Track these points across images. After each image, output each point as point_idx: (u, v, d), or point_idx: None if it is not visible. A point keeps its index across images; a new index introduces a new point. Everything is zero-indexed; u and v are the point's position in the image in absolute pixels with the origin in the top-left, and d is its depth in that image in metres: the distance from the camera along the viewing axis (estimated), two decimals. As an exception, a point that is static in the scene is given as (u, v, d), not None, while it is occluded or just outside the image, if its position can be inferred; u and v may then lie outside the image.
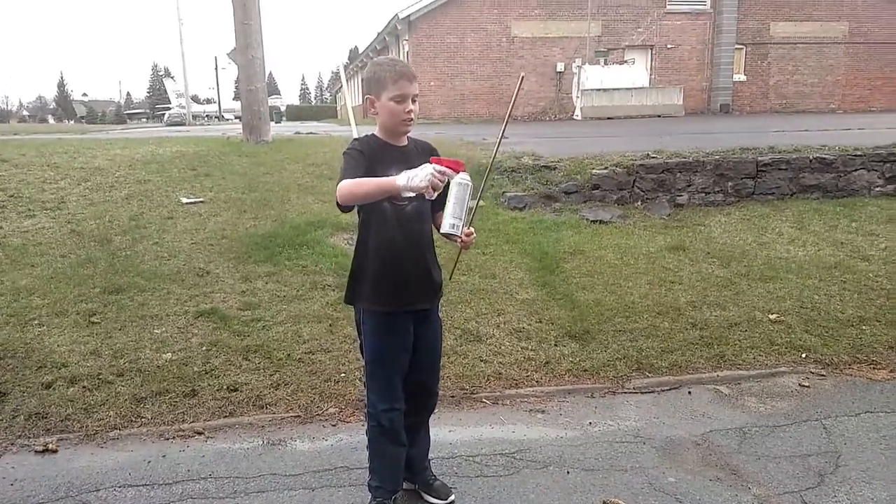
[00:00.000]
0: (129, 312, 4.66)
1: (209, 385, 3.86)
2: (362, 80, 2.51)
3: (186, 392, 3.80)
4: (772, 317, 4.72)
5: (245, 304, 4.79)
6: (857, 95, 26.67)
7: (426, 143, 2.69)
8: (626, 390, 3.96)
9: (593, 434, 3.47)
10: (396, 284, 2.54)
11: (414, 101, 2.46)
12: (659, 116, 21.27)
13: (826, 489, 2.92)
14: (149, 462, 3.23)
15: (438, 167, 2.24)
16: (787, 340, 4.46)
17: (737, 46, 25.42)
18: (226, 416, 3.64)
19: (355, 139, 2.52)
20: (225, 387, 3.85)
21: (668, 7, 24.77)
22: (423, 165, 2.26)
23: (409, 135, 2.60)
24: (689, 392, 3.94)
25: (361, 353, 2.71)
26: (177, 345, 4.27)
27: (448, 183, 2.31)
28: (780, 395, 3.89)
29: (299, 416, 3.64)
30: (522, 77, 2.71)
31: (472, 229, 2.55)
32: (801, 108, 25.80)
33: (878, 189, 7.44)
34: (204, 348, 4.23)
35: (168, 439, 3.45)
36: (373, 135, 2.55)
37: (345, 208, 2.43)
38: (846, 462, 3.13)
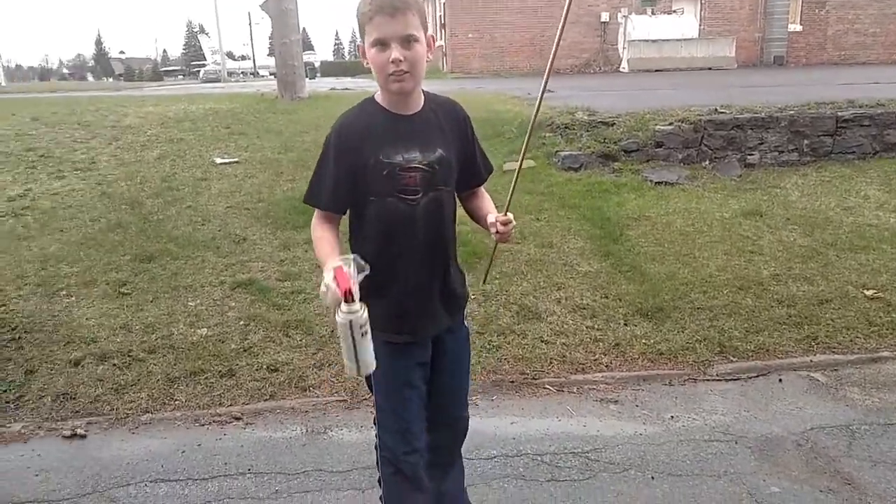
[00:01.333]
0: (161, 283, 4.36)
1: (247, 364, 3.55)
2: None
3: (223, 372, 3.49)
4: (868, 293, 4.20)
5: (284, 275, 4.45)
6: (922, 46, 25.03)
7: (452, 104, 1.98)
8: (708, 377, 3.53)
9: (676, 430, 3.06)
10: (408, 309, 1.92)
11: (408, 45, 1.73)
12: (709, 69, 20.25)
13: (964, 507, 2.48)
14: (183, 452, 2.93)
15: (330, 282, 1.62)
16: (887, 320, 3.95)
17: (793, -6, 23.96)
18: (265, 400, 3.32)
19: (340, 117, 1.87)
20: (264, 366, 3.53)
21: (720, -48, 23.38)
22: (331, 271, 1.63)
23: (427, 91, 1.90)
24: (780, 380, 3.49)
25: (369, 385, 2.06)
26: (212, 319, 3.96)
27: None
28: (885, 384, 3.42)
29: (345, 401, 3.31)
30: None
31: (510, 216, 1.91)
32: (862, 59, 24.32)
33: (971, 147, 6.73)
34: (241, 323, 3.90)
35: (203, 425, 3.14)
36: (372, 100, 1.89)
37: None
38: (982, 473, 2.68)
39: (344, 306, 1.63)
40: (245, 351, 3.66)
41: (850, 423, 3.07)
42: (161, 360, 3.58)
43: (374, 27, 1.72)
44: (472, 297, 2.12)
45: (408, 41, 1.73)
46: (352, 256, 1.69)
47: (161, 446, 2.98)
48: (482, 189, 2.10)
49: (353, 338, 1.66)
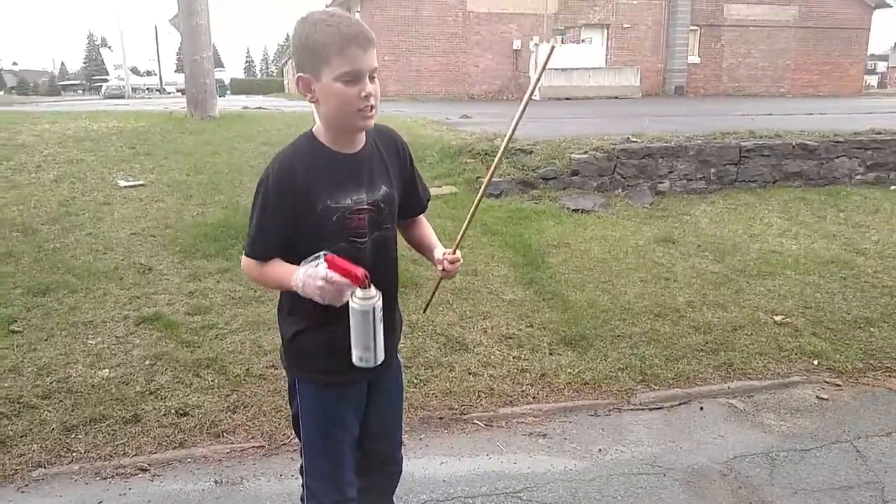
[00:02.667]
0: (58, 318, 4.00)
1: (154, 409, 3.28)
2: (292, 48, 1.72)
3: (127, 418, 3.21)
4: (777, 318, 4.38)
5: (194, 308, 4.19)
6: (805, 80, 27.05)
7: (390, 132, 1.89)
8: (632, 406, 3.55)
9: (606, 464, 3.04)
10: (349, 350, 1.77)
11: (373, 80, 1.65)
12: (616, 98, 21.07)
13: (881, 532, 2.56)
14: (81, 511, 2.66)
15: (332, 276, 1.56)
16: (796, 345, 4.12)
17: (691, 28, 25.38)
18: (175, 448, 3.07)
19: (275, 159, 1.72)
20: (173, 411, 3.27)
21: (624, -14, 24.51)
22: (317, 263, 1.58)
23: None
24: (702, 407, 3.55)
25: (295, 428, 1.93)
26: (115, 359, 3.65)
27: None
28: (799, 409, 3.54)
29: (262, 447, 3.10)
30: (553, 47, 1.84)
31: (459, 255, 1.86)
32: (753, 91, 26.00)
33: (858, 177, 7.24)
34: (147, 363, 3.62)
35: (105, 479, 2.87)
36: (311, 137, 1.74)
37: None
38: (893, 497, 2.78)
39: (360, 292, 1.59)
40: (151, 394, 3.38)
41: (769, 451, 3.15)
42: (57, 406, 3.26)
43: (346, 60, 1.60)
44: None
45: (373, 74, 1.66)
46: (322, 253, 1.61)
47: (56, 506, 2.69)
48: (423, 217, 2.02)
49: (374, 325, 1.62)
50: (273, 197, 1.68)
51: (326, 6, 28.64)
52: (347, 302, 1.62)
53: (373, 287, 1.60)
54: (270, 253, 1.73)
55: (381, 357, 1.67)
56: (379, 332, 1.64)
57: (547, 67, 1.58)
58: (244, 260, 1.77)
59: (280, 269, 1.70)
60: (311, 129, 1.76)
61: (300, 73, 1.67)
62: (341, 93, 1.62)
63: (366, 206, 1.74)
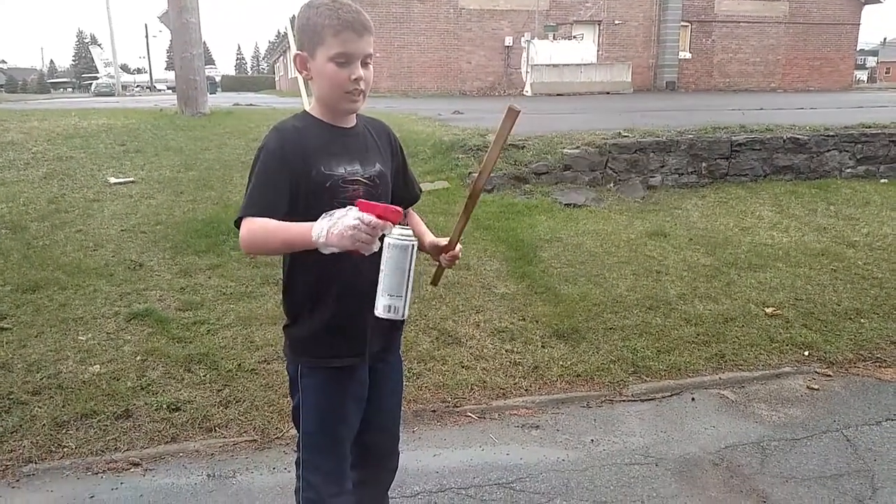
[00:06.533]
0: (48, 315, 3.98)
1: (146, 404, 3.26)
2: (295, 28, 1.78)
3: (118, 413, 3.19)
4: (768, 310, 4.40)
5: (185, 304, 4.17)
6: (796, 75, 27.19)
7: (381, 123, 1.93)
8: (624, 398, 3.56)
9: (598, 454, 3.05)
10: (354, 328, 1.81)
11: (366, 65, 1.71)
12: (608, 93, 21.09)
13: (871, 520, 2.58)
14: (73, 506, 2.64)
15: (366, 217, 1.47)
16: (786, 336, 4.14)
17: (682, 24, 25.45)
18: (167, 443, 3.06)
19: (275, 127, 1.76)
20: (164, 406, 3.25)
21: (615, -18, 24.54)
22: (346, 209, 1.51)
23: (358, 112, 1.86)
24: (693, 398, 3.57)
25: (294, 420, 1.90)
26: (106, 354, 3.63)
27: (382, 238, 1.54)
28: (789, 399, 3.56)
29: (255, 441, 3.09)
30: (519, 112, 1.72)
31: (459, 247, 1.90)
32: (744, 86, 26.12)
33: (848, 170, 7.28)
34: (138, 358, 3.61)
35: (97, 473, 2.85)
36: (305, 113, 1.81)
37: None
38: (882, 484, 2.81)
39: (397, 229, 1.55)
40: (143, 389, 3.37)
41: (760, 440, 3.17)
42: (47, 402, 3.24)
43: (340, 42, 1.67)
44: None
45: (366, 61, 1.72)
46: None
47: (47, 500, 2.68)
48: (413, 212, 2.05)
49: (410, 266, 1.58)
50: (272, 158, 1.68)
51: (317, 3, 28.75)
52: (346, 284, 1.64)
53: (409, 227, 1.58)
54: (271, 212, 1.64)
55: (407, 311, 1.59)
56: (412, 279, 1.57)
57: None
58: (244, 225, 1.62)
59: (292, 226, 1.58)
60: (309, 108, 1.82)
61: (298, 52, 1.74)
62: (333, 73, 1.68)
63: (360, 179, 1.76)
